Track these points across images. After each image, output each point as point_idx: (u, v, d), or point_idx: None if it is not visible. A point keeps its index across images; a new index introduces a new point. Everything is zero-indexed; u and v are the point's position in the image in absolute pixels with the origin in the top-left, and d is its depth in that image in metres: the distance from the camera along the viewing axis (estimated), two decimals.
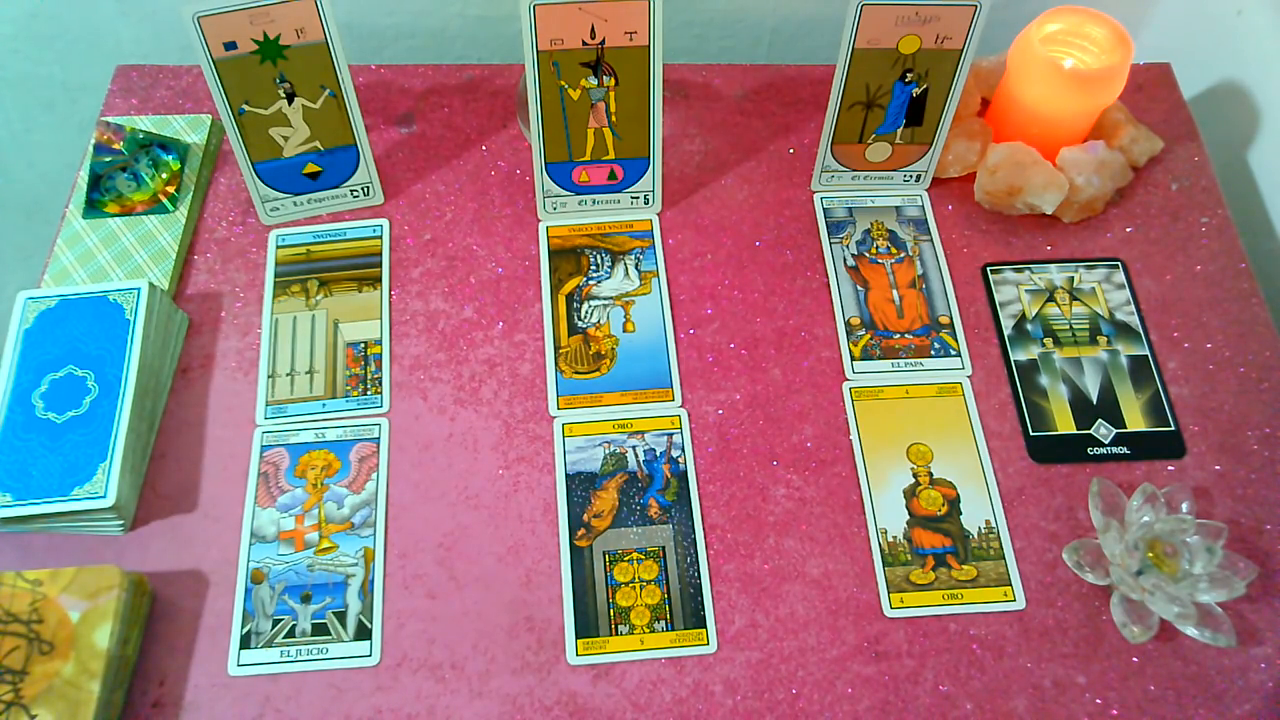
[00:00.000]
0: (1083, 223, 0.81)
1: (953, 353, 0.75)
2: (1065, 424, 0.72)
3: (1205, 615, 0.63)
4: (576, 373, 0.73)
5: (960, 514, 0.68)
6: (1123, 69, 0.75)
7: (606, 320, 0.75)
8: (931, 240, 0.80)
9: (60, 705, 0.57)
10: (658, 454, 0.70)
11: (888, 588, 0.66)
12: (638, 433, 0.71)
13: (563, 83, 0.71)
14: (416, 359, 0.74)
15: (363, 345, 0.74)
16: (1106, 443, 0.71)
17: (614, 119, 0.74)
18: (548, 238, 0.79)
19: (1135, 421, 0.72)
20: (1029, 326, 0.76)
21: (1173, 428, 0.72)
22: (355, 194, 0.80)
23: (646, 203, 0.80)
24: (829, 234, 0.80)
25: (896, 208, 0.81)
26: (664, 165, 0.82)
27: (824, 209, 0.81)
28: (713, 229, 0.80)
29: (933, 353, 0.75)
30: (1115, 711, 0.62)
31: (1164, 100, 0.87)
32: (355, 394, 0.72)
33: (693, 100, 0.87)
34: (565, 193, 0.79)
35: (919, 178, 0.82)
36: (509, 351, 0.74)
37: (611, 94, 0.73)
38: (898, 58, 0.73)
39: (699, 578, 0.66)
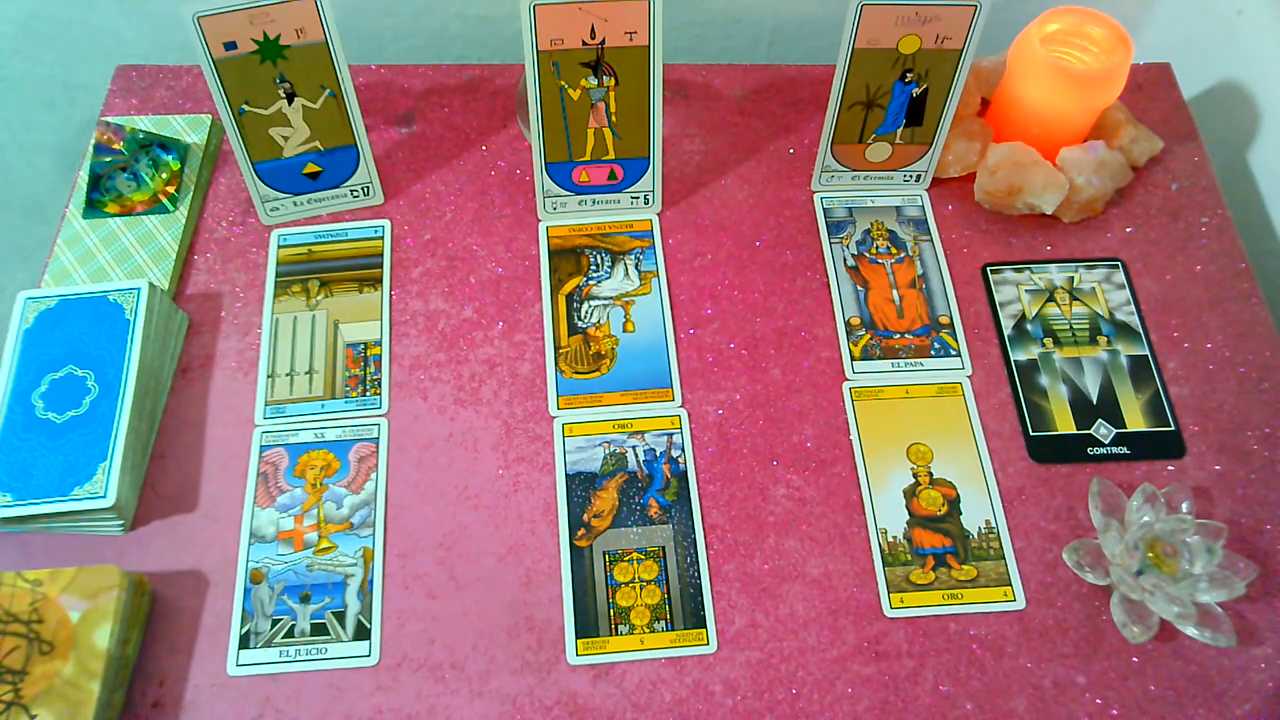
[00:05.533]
0: (1083, 223, 0.81)
1: (953, 353, 0.75)
2: (1065, 424, 0.72)
3: (1205, 615, 0.63)
4: (576, 373, 0.73)
5: (960, 514, 0.68)
6: (1123, 69, 0.75)
7: (606, 320, 0.75)
8: (931, 240, 0.80)
9: (60, 705, 0.57)
10: (658, 454, 0.70)
11: (888, 588, 0.66)
12: (638, 433, 0.71)
13: (563, 83, 0.71)
14: (416, 359, 0.74)
15: (362, 346, 0.74)
16: (1106, 443, 0.71)
17: (614, 119, 0.74)
18: (548, 238, 0.79)
19: (1135, 421, 0.72)
20: (1029, 326, 0.76)
21: (1173, 428, 0.72)
22: (355, 194, 0.80)
23: (646, 203, 0.80)
24: (829, 234, 0.80)
25: (896, 208, 0.81)
26: (664, 165, 0.82)
27: (824, 209, 0.81)
28: (713, 229, 0.80)
29: (933, 353, 0.75)
30: (1115, 711, 0.62)
31: (1164, 100, 0.87)
32: (355, 395, 0.72)
33: (693, 100, 0.87)
34: (565, 193, 0.79)
35: (919, 178, 0.82)
36: (509, 351, 0.74)
37: (611, 94, 0.73)
38: (898, 58, 0.73)
39: (699, 578, 0.66)
